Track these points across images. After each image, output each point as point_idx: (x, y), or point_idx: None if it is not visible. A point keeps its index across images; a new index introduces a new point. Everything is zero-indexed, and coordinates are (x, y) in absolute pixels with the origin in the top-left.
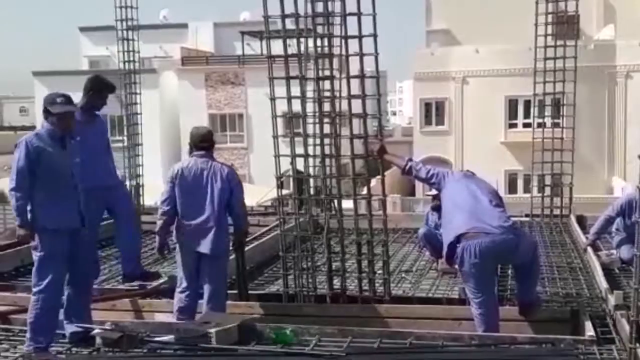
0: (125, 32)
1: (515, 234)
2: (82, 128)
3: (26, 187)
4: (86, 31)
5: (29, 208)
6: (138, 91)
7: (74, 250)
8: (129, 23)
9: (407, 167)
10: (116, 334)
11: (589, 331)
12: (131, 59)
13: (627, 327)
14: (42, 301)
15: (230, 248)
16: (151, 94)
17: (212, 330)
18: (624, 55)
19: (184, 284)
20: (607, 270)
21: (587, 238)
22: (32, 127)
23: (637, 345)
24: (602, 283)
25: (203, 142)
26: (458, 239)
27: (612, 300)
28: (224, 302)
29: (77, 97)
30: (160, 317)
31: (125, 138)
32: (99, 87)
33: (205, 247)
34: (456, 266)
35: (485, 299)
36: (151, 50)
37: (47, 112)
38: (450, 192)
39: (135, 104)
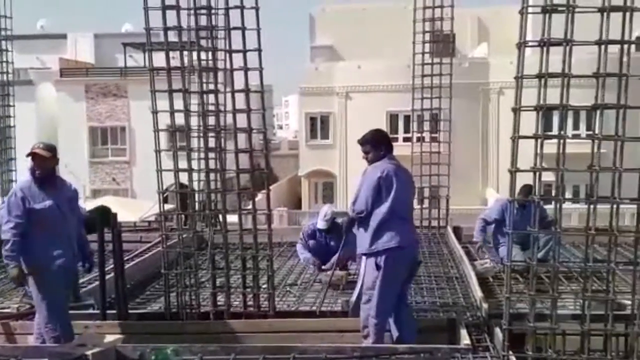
0: None
1: None
2: None
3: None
4: None
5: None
6: (12, 103)
7: None
8: (3, 33)
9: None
10: None
11: (465, 339)
12: (4, 70)
13: (500, 335)
14: None
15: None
16: (27, 106)
17: (89, 353)
18: (496, 72)
19: None
20: (481, 279)
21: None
22: None
23: (510, 352)
24: (477, 292)
25: None
26: (387, 243)
27: (485, 308)
28: (41, 321)
29: None
30: (33, 340)
31: None
32: None
33: None
34: (372, 270)
35: (390, 307)
36: (27, 61)
37: None
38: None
39: (9, 116)
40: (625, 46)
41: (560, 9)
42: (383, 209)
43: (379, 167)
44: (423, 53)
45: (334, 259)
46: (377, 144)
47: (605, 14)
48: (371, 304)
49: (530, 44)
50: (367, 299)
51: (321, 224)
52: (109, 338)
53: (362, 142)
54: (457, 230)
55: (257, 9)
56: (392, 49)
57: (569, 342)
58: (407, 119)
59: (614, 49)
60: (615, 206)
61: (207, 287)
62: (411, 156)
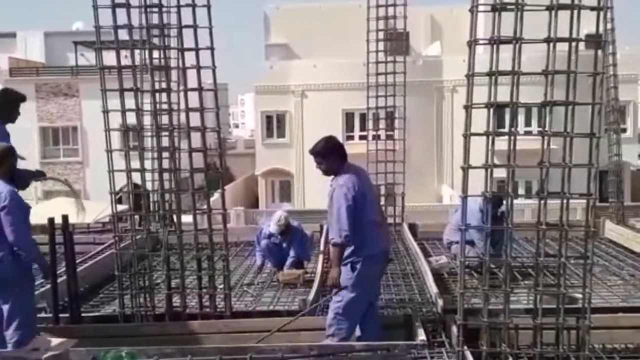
0: None
1: None
2: None
3: None
4: None
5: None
6: None
7: None
8: None
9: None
10: None
11: (421, 335)
12: None
13: (455, 330)
14: None
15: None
16: None
17: (42, 357)
18: (450, 70)
19: None
20: (437, 275)
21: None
22: None
23: (465, 347)
24: (432, 288)
25: None
26: (365, 251)
27: (440, 303)
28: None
29: None
30: None
31: None
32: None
33: None
34: (348, 272)
35: (360, 310)
36: None
37: None
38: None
39: None
40: (574, 44)
41: (509, 7)
42: (360, 221)
43: (346, 185)
44: (377, 51)
45: (289, 262)
46: (328, 154)
47: (553, 12)
48: (341, 304)
49: (480, 42)
50: (339, 299)
51: (274, 228)
52: (62, 342)
53: (313, 153)
54: (412, 227)
55: (208, 7)
56: (347, 47)
57: (522, 336)
58: (362, 117)
59: (563, 46)
60: (565, 201)
61: (162, 289)
62: (367, 154)
